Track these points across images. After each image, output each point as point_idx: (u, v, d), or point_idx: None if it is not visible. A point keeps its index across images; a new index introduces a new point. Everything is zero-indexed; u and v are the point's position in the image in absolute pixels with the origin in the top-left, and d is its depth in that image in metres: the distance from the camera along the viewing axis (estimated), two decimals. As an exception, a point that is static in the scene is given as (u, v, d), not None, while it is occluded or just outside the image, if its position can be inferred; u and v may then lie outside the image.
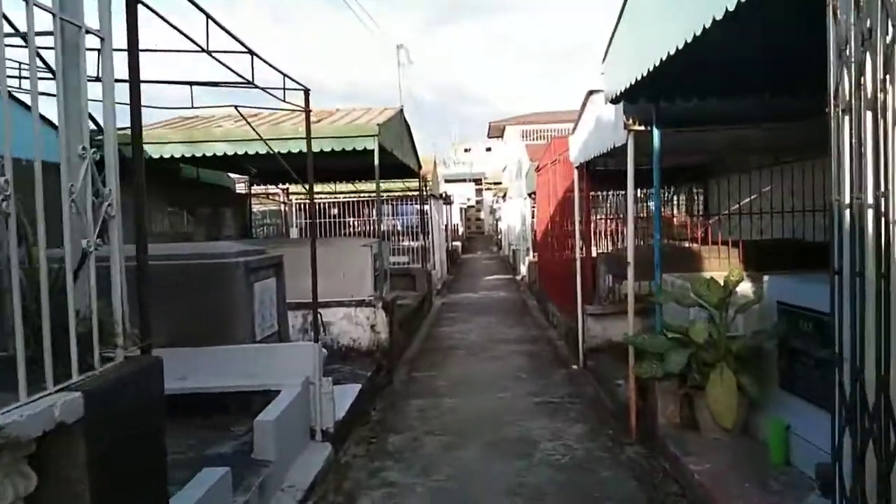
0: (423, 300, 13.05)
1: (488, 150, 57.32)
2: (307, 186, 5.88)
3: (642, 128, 5.63)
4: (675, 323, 5.59)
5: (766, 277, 5.21)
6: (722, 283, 5.27)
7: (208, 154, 8.67)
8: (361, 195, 17.47)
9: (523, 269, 20.28)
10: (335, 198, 17.78)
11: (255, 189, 16.47)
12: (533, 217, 18.35)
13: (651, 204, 13.81)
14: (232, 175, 14.28)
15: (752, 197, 10.81)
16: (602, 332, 8.35)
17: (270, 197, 16.60)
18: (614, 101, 5.27)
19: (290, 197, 17.38)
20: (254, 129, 5.74)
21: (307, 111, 5.38)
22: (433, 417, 6.29)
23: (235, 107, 5.46)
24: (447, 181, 38.50)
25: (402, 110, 11.14)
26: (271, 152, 8.21)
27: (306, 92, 5.33)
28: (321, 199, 17.95)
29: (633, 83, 4.61)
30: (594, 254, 9.86)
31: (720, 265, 8.11)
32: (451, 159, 57.30)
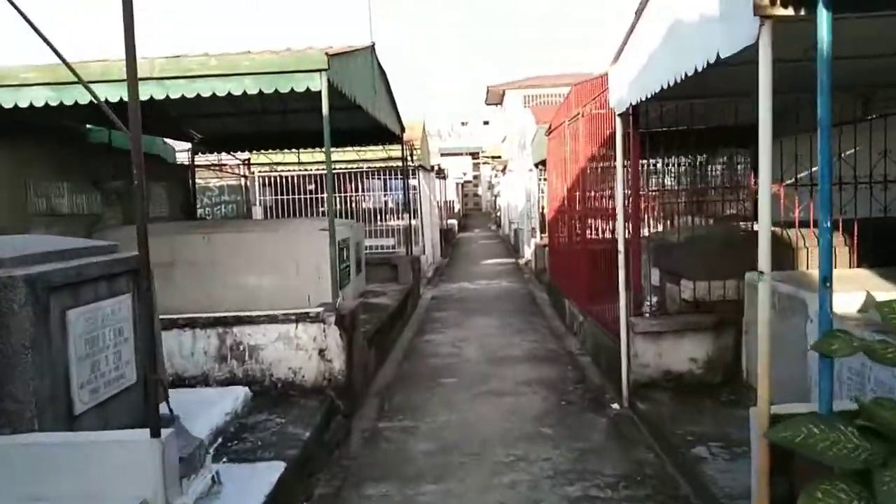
0: (407, 296, 10.39)
1: (486, 123, 54.66)
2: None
3: (790, 11, 2.92)
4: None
5: None
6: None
7: (83, 101, 5.92)
8: (342, 167, 14.70)
9: (528, 252, 17.62)
10: (306, 170, 14.96)
11: (207, 159, 13.76)
12: (541, 191, 15.64)
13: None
14: (170, 141, 11.58)
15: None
16: (656, 359, 5.71)
17: (224, 169, 13.85)
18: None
19: (252, 170, 14.62)
20: (39, 34, 2.93)
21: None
22: (399, 532, 3.66)
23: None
24: (442, 154, 35.73)
25: (373, 49, 8.38)
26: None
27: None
28: (292, 171, 15.13)
29: None
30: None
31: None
32: (447, 131, 54.40)
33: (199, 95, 5.87)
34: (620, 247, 5.77)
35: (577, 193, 8.78)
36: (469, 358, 7.61)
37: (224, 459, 4.41)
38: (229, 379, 5.76)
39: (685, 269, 6.20)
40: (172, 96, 5.86)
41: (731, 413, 5.09)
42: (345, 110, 9.80)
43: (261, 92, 5.84)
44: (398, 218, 14.83)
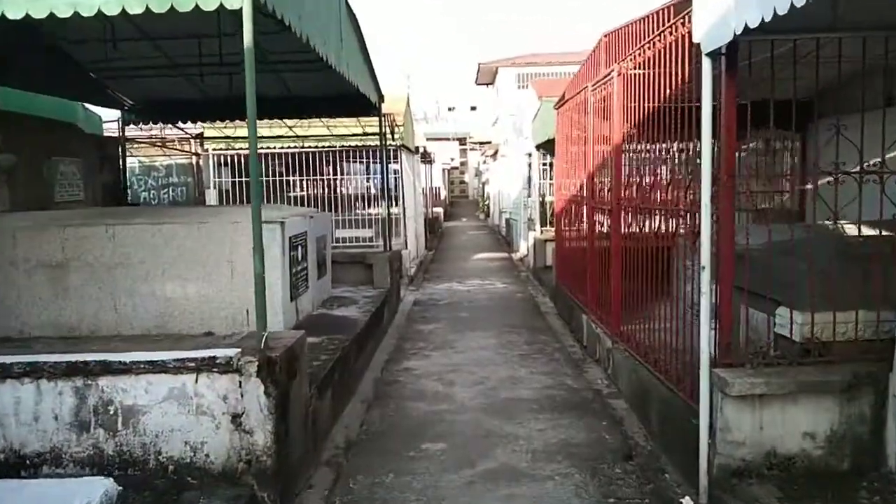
0: (383, 305, 8.33)
1: (473, 108, 52.53)
2: None
3: None
4: None
5: None
6: None
7: None
8: (310, 144, 12.50)
9: (524, 247, 15.61)
10: (269, 148, 12.70)
11: (149, 133, 11.57)
12: (542, 178, 13.62)
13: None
14: (94, 108, 9.41)
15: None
16: (755, 434, 3.71)
17: (169, 145, 11.65)
18: None
19: (205, 146, 12.42)
20: None
21: None
22: None
23: None
24: (428, 139, 33.55)
25: (339, -16, 6.27)
26: None
27: None
28: (260, 149, 12.85)
29: None
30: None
31: None
32: (433, 115, 52.20)
33: (53, 15, 3.77)
34: (704, 261, 3.74)
35: (605, 179, 6.76)
36: (462, 402, 5.56)
37: None
38: (93, 458, 3.69)
39: (784, 291, 4.20)
40: (11, 16, 3.76)
41: (889, 535, 3.13)
42: (301, 69, 7.74)
43: (158, 18, 3.77)
44: (380, 206, 12.71)
